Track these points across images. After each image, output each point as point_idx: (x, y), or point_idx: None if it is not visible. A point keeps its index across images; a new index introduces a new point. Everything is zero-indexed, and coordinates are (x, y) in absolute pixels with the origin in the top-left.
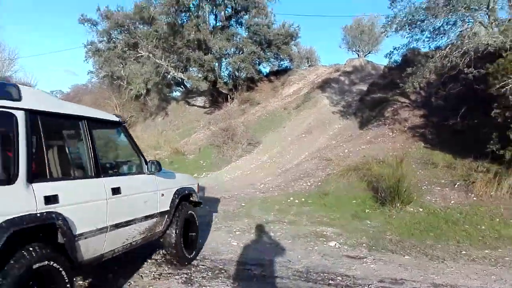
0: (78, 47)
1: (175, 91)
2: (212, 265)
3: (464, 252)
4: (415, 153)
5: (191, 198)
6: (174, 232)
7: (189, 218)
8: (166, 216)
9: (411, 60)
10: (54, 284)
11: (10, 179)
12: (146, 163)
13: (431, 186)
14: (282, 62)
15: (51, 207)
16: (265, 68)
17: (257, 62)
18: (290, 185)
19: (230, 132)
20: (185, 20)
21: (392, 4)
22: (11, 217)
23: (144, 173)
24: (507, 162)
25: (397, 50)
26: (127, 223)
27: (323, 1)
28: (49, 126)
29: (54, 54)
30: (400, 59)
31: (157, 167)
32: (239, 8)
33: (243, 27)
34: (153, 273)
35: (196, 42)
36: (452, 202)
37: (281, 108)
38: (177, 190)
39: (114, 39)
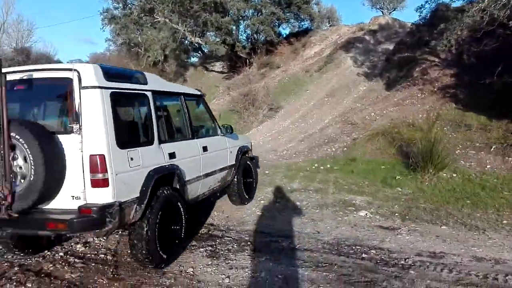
0: (95, 15)
1: (193, 57)
2: (237, 236)
3: (505, 221)
4: (446, 114)
5: (247, 154)
6: (238, 179)
7: (247, 168)
8: (233, 168)
9: (440, 16)
10: (175, 215)
11: (150, 142)
12: (219, 127)
13: (465, 149)
14: (302, 23)
15: (173, 161)
16: (285, 30)
17: (277, 24)
18: (314, 151)
19: (250, 97)
20: None
21: None
22: (155, 167)
23: (218, 135)
24: None
25: (429, 3)
26: (211, 173)
27: None
28: (163, 101)
29: (72, 24)
30: (428, 15)
31: (229, 130)
32: None
33: None
34: None
35: (213, 5)
36: (488, 167)
37: (303, 71)
38: (239, 148)
39: (129, 5)
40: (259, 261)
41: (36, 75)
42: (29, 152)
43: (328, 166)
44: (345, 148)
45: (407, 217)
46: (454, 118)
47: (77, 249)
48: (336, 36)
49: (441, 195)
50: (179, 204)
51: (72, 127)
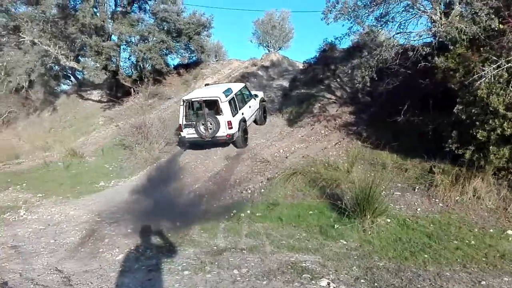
0: None
1: (64, 84)
2: None
3: (483, 282)
4: (355, 152)
5: (263, 101)
6: (260, 114)
7: (264, 108)
8: (258, 108)
9: (328, 56)
10: (246, 131)
11: (237, 111)
12: (253, 95)
13: (389, 190)
14: (192, 54)
15: (243, 115)
16: (174, 60)
17: (165, 53)
18: (226, 193)
19: (145, 130)
20: (79, 2)
21: None
22: (240, 118)
23: (253, 98)
24: (467, 162)
25: (348, 35)
26: (253, 114)
27: None
28: (237, 94)
29: None
30: (318, 55)
31: (258, 96)
32: None
33: (147, 14)
34: None
35: (92, 27)
36: (418, 209)
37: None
38: (260, 99)
39: None
40: None
41: (206, 98)
42: (211, 121)
43: (249, 212)
44: (262, 190)
45: (376, 284)
46: (365, 157)
47: None
48: (229, 70)
49: (392, 248)
50: (246, 127)
51: (220, 113)
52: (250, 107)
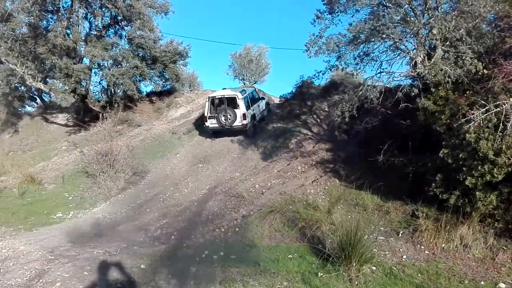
0: None
1: (29, 106)
2: None
3: None
4: (333, 191)
5: (269, 104)
6: (266, 111)
7: (269, 108)
8: (265, 108)
9: (304, 92)
10: (257, 125)
11: (250, 107)
12: (261, 97)
13: (373, 235)
14: (167, 82)
15: (253, 112)
16: (147, 87)
17: (139, 79)
18: (198, 231)
19: (111, 158)
20: (52, 22)
21: (316, 20)
22: (251, 114)
23: (261, 100)
24: (451, 207)
25: (330, 69)
26: (261, 112)
27: (207, 27)
28: (249, 95)
29: None
30: (295, 90)
31: (264, 98)
32: (120, 18)
33: (123, 40)
34: None
35: (64, 48)
36: (404, 257)
37: (169, 132)
38: (266, 102)
39: None
40: None
41: (227, 95)
42: (230, 113)
43: (222, 254)
44: (237, 228)
45: None
46: (345, 197)
47: None
48: (203, 100)
49: None
50: (255, 123)
51: (237, 107)
52: (258, 106)
